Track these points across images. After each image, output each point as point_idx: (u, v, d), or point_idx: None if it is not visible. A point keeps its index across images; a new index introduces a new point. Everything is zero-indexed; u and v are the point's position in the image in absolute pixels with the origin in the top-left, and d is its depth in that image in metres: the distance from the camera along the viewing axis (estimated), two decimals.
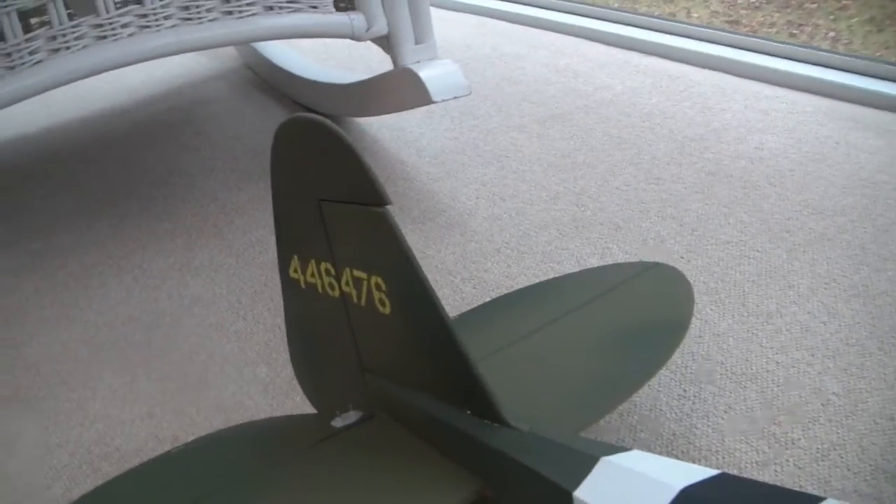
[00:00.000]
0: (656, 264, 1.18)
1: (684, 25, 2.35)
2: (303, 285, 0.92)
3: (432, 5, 1.71)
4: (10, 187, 1.98)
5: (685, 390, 1.13)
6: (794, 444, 1.03)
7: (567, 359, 1.00)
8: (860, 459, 1.00)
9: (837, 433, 1.04)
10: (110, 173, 1.97)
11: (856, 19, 2.70)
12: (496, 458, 0.75)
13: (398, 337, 0.84)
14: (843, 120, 1.81)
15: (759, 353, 1.18)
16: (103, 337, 1.40)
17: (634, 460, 0.68)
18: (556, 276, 1.37)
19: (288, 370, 1.04)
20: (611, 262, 1.42)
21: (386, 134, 1.99)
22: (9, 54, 1.34)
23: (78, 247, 1.67)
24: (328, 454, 0.87)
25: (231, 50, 2.61)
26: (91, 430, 1.20)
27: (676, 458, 1.02)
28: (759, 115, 1.88)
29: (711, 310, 1.28)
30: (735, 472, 1.00)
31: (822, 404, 1.08)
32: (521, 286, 1.32)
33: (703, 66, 2.17)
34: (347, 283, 0.85)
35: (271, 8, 1.51)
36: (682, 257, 1.41)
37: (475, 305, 1.22)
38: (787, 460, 1.00)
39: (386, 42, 1.66)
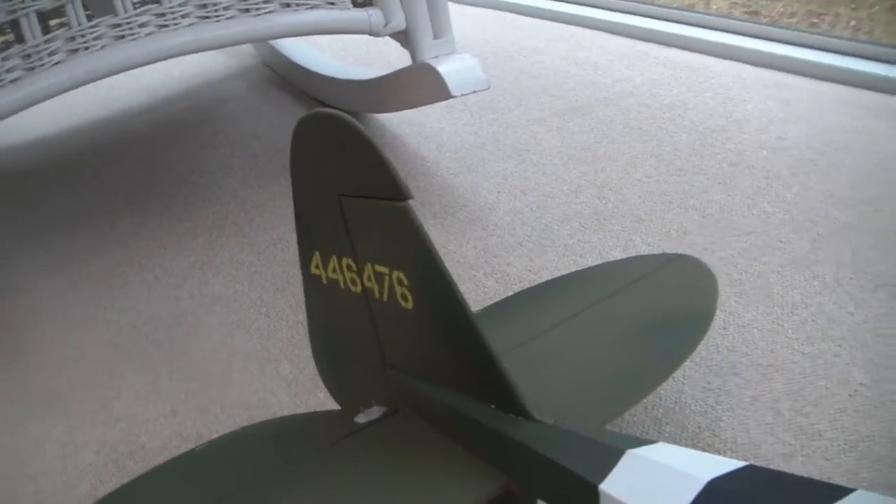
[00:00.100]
0: (679, 256, 1.17)
1: (704, 16, 2.33)
2: (325, 281, 0.91)
3: (451, 1, 1.70)
4: (34, 188, 1.99)
5: (710, 382, 1.12)
6: (820, 435, 1.02)
7: (591, 352, 0.99)
8: (889, 450, 0.99)
9: (865, 424, 1.03)
10: (131, 173, 1.98)
11: (877, 7, 2.67)
12: (521, 452, 0.75)
13: (421, 332, 0.83)
14: (865, 108, 1.79)
15: (785, 344, 1.17)
16: (126, 336, 1.40)
17: (660, 453, 0.67)
18: (579, 269, 1.36)
19: (311, 366, 1.04)
20: (633, 254, 1.41)
21: (406, 129, 1.98)
22: (28, 55, 1.34)
23: (100, 246, 1.68)
24: (352, 450, 0.87)
25: (249, 48, 2.61)
26: (116, 429, 1.20)
27: (702, 450, 1.02)
28: (780, 104, 1.86)
29: (736, 301, 1.27)
30: (761, 464, 0.99)
31: (850, 395, 1.07)
32: (543, 280, 1.31)
33: (724, 57, 2.16)
34: (369, 279, 0.85)
35: (288, 5, 1.51)
36: (705, 249, 1.40)
37: (498, 300, 1.21)
38: (815, 452, 0.99)
39: (404, 37, 1.65)
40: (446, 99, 1.61)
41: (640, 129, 1.84)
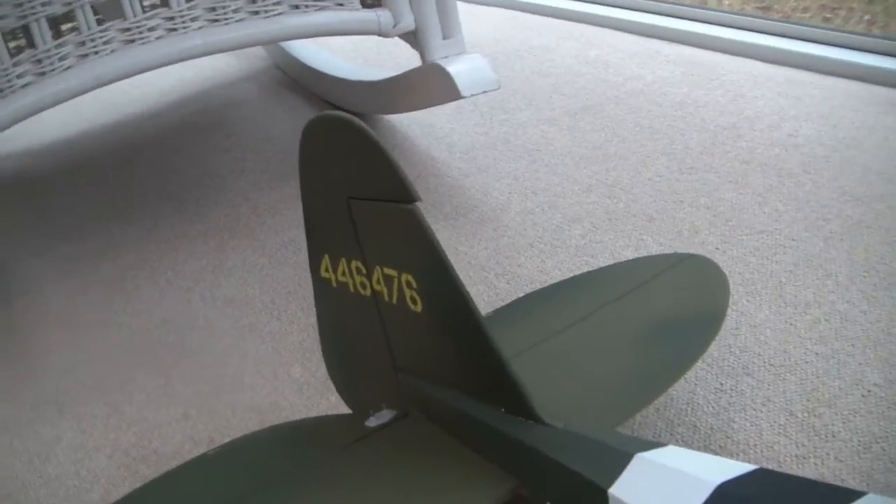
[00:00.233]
0: (690, 256, 1.17)
1: (714, 13, 2.33)
2: (334, 284, 0.91)
3: (461, 0, 1.70)
4: (44, 192, 1.99)
5: (722, 383, 1.11)
6: (834, 436, 1.01)
7: (602, 353, 0.99)
8: None
9: (879, 425, 1.02)
10: (142, 176, 1.98)
11: (892, 1, 2.66)
12: (531, 455, 0.75)
13: (430, 335, 0.83)
14: (878, 104, 1.78)
15: (798, 344, 1.16)
16: (138, 340, 1.40)
17: (670, 456, 0.67)
18: (590, 269, 1.36)
19: (322, 370, 1.04)
20: (645, 253, 1.41)
21: (416, 130, 1.98)
22: (39, 60, 1.34)
23: (112, 250, 1.68)
24: (362, 454, 0.87)
25: (260, 50, 2.61)
26: (128, 433, 1.20)
27: (714, 452, 1.01)
28: (792, 101, 1.85)
29: (748, 301, 1.26)
30: (774, 466, 0.98)
31: (863, 395, 1.06)
32: (555, 280, 1.31)
33: (735, 54, 2.15)
34: (378, 282, 0.85)
35: (297, 7, 1.51)
36: (716, 248, 1.39)
37: (509, 301, 1.21)
38: (828, 453, 0.99)
39: (413, 38, 1.65)
40: (456, 99, 1.61)
41: (651, 128, 1.83)
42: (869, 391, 1.07)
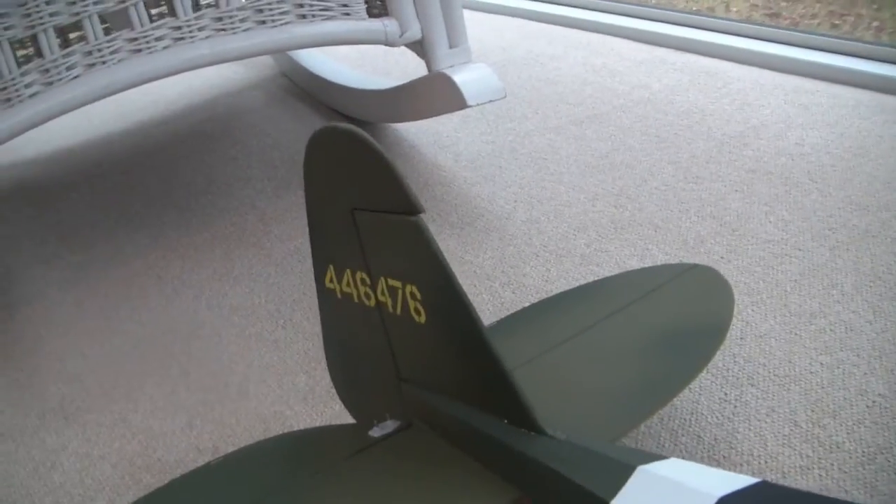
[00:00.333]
0: (695, 266, 1.17)
1: (721, 21, 2.33)
2: (339, 295, 0.92)
3: (467, 8, 1.71)
4: (53, 200, 2.00)
5: (727, 393, 1.11)
6: (838, 447, 1.01)
7: (606, 364, 0.99)
8: None
9: (884, 436, 1.02)
10: (150, 184, 1.99)
11: None
12: (533, 467, 0.75)
13: (434, 346, 0.83)
14: (886, 113, 1.78)
15: (803, 354, 1.16)
16: (144, 348, 1.41)
17: (671, 469, 0.67)
18: (596, 279, 1.36)
19: (327, 379, 1.05)
20: (650, 263, 1.41)
21: (423, 139, 1.99)
22: (47, 70, 1.35)
23: (118, 258, 1.69)
24: (366, 465, 0.87)
25: (267, 58, 2.62)
26: (133, 442, 1.21)
27: (718, 462, 1.01)
28: (799, 109, 1.85)
29: (753, 311, 1.26)
30: (778, 476, 0.98)
31: (868, 406, 1.06)
32: (560, 290, 1.31)
33: (741, 62, 2.15)
34: (383, 293, 0.85)
35: (304, 16, 1.52)
36: (722, 257, 1.39)
37: (514, 310, 1.21)
38: (832, 464, 0.99)
39: (420, 47, 1.66)
40: (462, 109, 1.61)
41: (658, 137, 1.83)
42: (874, 402, 1.07)
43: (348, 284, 0.89)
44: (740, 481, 0.63)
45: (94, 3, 1.36)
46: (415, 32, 1.61)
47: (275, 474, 0.91)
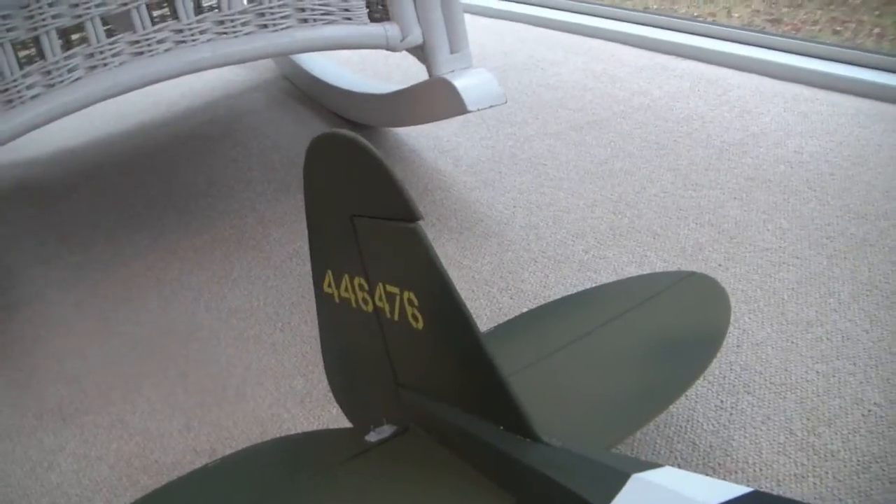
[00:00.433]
0: (692, 274, 1.17)
1: (721, 28, 2.33)
2: (337, 300, 0.92)
3: (468, 13, 1.71)
4: (54, 201, 2.00)
5: (722, 401, 1.12)
6: (833, 455, 1.01)
7: (602, 371, 0.99)
8: None
9: (879, 445, 1.02)
10: (150, 186, 2.00)
11: None
12: (527, 473, 0.75)
13: (431, 352, 0.84)
14: (885, 122, 1.78)
15: (799, 363, 1.17)
16: (142, 349, 1.41)
17: (665, 477, 0.67)
18: (593, 285, 1.37)
19: (324, 383, 1.05)
20: (648, 270, 1.41)
21: (423, 143, 1.99)
22: (48, 72, 1.35)
23: (118, 259, 1.69)
24: (362, 469, 0.87)
25: (269, 61, 2.63)
26: (130, 443, 1.21)
27: (713, 470, 1.02)
28: (798, 118, 1.86)
29: (750, 318, 1.26)
30: (773, 484, 0.99)
31: (863, 415, 1.07)
32: (557, 296, 1.32)
33: (742, 69, 2.15)
34: (381, 298, 0.86)
35: (306, 20, 1.52)
36: (719, 265, 1.39)
37: (512, 316, 1.22)
38: (827, 473, 0.99)
39: (421, 52, 1.66)
40: (462, 114, 1.61)
41: (657, 143, 1.84)
42: (869, 410, 1.07)
43: (346, 290, 0.90)
44: (733, 490, 0.64)
45: (97, 6, 1.36)
46: (416, 37, 1.61)
47: (272, 477, 0.92)
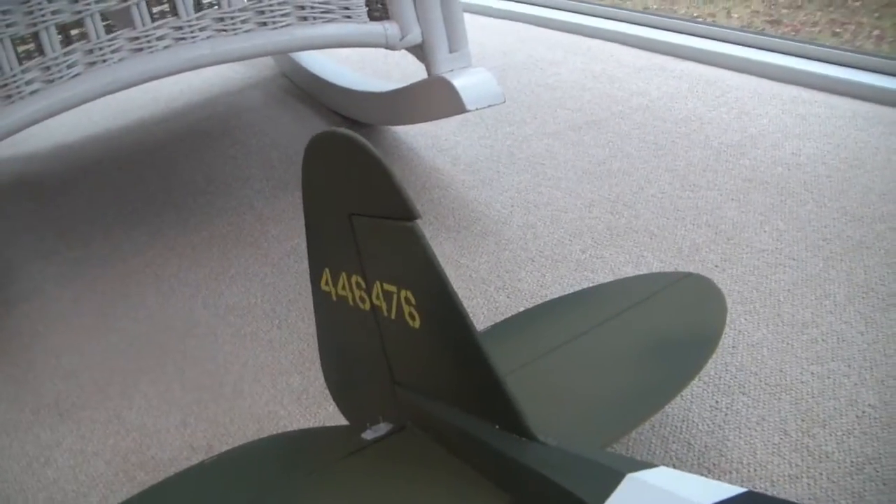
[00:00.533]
0: (689, 275, 1.18)
1: (720, 29, 2.33)
2: (334, 298, 0.92)
3: (468, 12, 1.71)
4: (52, 196, 2.01)
5: (718, 401, 1.12)
6: (827, 456, 1.02)
7: (598, 371, 1.00)
8: None
9: (873, 446, 1.03)
10: (149, 182, 2.00)
11: None
12: (523, 472, 0.76)
13: (428, 351, 0.84)
14: (882, 124, 1.79)
15: (794, 364, 1.17)
16: (140, 345, 1.41)
17: (660, 477, 0.68)
18: (590, 285, 1.37)
19: (321, 380, 1.05)
20: (645, 270, 1.42)
21: (421, 142, 1.99)
22: (48, 68, 1.36)
23: (116, 255, 1.70)
24: (358, 466, 0.88)
25: (268, 58, 2.63)
26: (127, 439, 1.21)
27: (708, 470, 1.02)
28: (796, 119, 1.86)
29: (746, 319, 1.27)
30: (767, 485, 0.99)
31: (858, 416, 1.07)
32: (554, 295, 1.32)
33: (740, 71, 2.15)
34: (378, 297, 0.86)
35: (305, 18, 1.52)
36: (716, 266, 1.40)
37: (509, 315, 1.22)
38: (821, 473, 0.99)
39: (420, 51, 1.66)
40: (461, 113, 1.62)
41: (655, 144, 1.84)
42: (864, 412, 1.08)
43: (344, 288, 0.90)
44: (728, 491, 0.64)
45: (97, 2, 1.37)
46: (415, 36, 1.62)
47: (268, 474, 0.92)
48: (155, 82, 1.49)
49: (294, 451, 0.99)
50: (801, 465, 1.01)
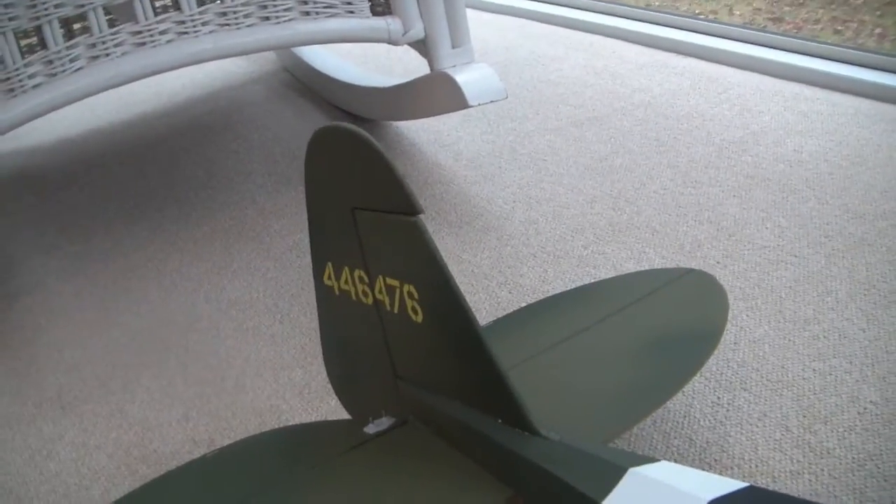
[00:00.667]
0: (691, 271, 1.18)
1: (723, 26, 2.33)
2: (337, 292, 0.92)
3: (471, 8, 1.71)
4: (54, 190, 2.01)
5: (719, 398, 1.12)
6: (829, 453, 1.02)
7: (600, 366, 1.00)
8: None
9: (874, 443, 1.03)
10: (151, 176, 2.00)
11: None
12: (526, 466, 0.76)
13: (430, 345, 0.84)
14: (884, 122, 1.79)
15: (796, 360, 1.17)
16: (142, 340, 1.41)
17: (662, 472, 0.68)
18: (592, 281, 1.37)
19: (323, 374, 1.05)
20: (647, 266, 1.42)
21: (423, 137, 1.99)
22: (50, 61, 1.36)
23: (117, 249, 1.70)
24: (360, 460, 0.88)
25: (270, 53, 2.63)
26: (129, 433, 1.21)
27: (709, 466, 1.02)
28: (798, 117, 1.86)
29: (747, 316, 1.27)
30: (768, 481, 0.99)
31: (859, 413, 1.07)
32: (556, 291, 1.32)
33: (742, 68, 2.15)
34: (381, 291, 0.86)
35: (308, 13, 1.52)
36: (718, 262, 1.40)
37: (511, 311, 1.22)
38: (822, 470, 1.00)
39: (423, 46, 1.66)
40: (463, 108, 1.62)
41: (657, 140, 1.84)
42: (865, 408, 1.08)
43: (346, 282, 0.90)
44: (729, 485, 0.64)
45: None
46: (418, 31, 1.62)
47: (270, 468, 0.92)
48: (157, 76, 1.49)
49: (296, 444, 0.99)
50: (803, 461, 1.01)
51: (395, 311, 0.85)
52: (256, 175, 1.92)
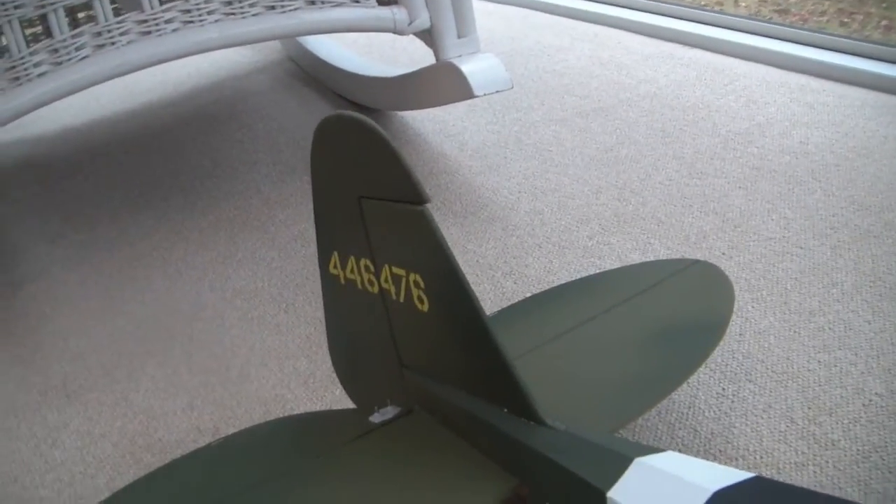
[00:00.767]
0: (696, 262, 1.18)
1: (729, 17, 2.33)
2: (342, 281, 0.92)
3: None
4: (58, 179, 2.01)
5: (724, 389, 1.12)
6: (833, 445, 1.02)
7: (605, 356, 1.00)
8: None
9: (879, 434, 1.03)
10: (156, 165, 2.00)
11: None
12: (531, 456, 0.76)
13: (436, 334, 0.84)
14: (891, 113, 1.78)
15: (801, 352, 1.17)
16: (147, 328, 1.42)
17: (668, 461, 0.68)
18: (597, 271, 1.37)
19: (328, 364, 1.05)
20: (652, 257, 1.42)
21: (429, 127, 1.99)
22: (56, 50, 1.36)
23: (122, 238, 1.70)
24: (365, 449, 0.88)
25: (275, 43, 2.62)
26: (134, 422, 1.22)
27: (714, 457, 1.02)
28: (804, 108, 1.86)
29: (753, 307, 1.27)
30: (773, 472, 0.99)
31: (864, 405, 1.07)
32: (561, 281, 1.32)
33: (749, 59, 2.15)
34: (386, 280, 0.86)
35: (314, 2, 1.52)
36: (723, 253, 1.40)
37: (516, 301, 1.22)
38: (827, 461, 1.00)
39: (428, 36, 1.66)
40: (469, 98, 1.61)
41: (663, 131, 1.84)
42: (870, 400, 1.08)
43: (352, 271, 0.90)
44: (735, 476, 0.64)
45: None
46: (423, 21, 1.61)
47: (275, 457, 0.92)
48: (162, 65, 1.48)
49: (301, 434, 0.99)
50: (808, 452, 1.01)
51: (401, 300, 0.85)
52: (261, 164, 1.92)
